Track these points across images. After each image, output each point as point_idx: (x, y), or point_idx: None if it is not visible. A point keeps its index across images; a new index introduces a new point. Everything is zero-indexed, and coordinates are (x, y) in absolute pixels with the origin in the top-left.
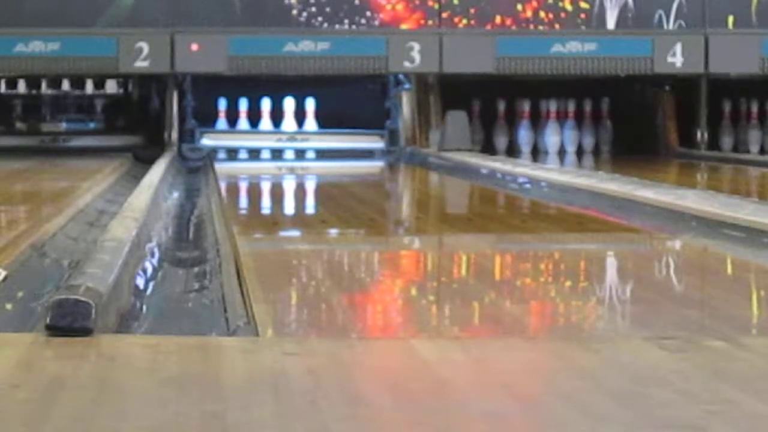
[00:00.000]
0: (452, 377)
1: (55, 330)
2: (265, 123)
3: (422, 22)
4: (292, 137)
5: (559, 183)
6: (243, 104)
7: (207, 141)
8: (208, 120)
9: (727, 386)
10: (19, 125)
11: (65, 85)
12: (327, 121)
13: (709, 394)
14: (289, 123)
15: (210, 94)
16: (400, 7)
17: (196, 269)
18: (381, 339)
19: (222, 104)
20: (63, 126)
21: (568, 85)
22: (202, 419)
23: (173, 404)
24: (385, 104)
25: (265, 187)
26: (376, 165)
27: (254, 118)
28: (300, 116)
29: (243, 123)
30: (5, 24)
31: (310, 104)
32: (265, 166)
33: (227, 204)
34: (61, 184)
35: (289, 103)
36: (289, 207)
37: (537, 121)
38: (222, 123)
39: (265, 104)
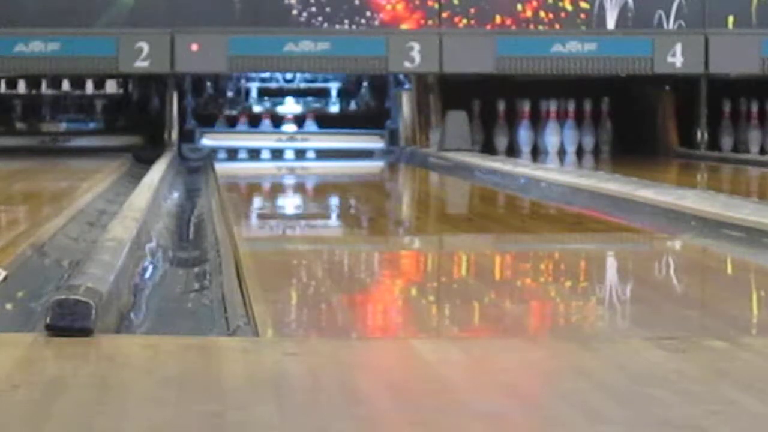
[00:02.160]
0: (452, 377)
1: (55, 330)
2: (265, 123)
3: (422, 22)
4: (292, 137)
5: (559, 183)
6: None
7: (207, 141)
8: (208, 120)
9: (727, 386)
10: (19, 125)
11: (65, 85)
12: (327, 121)
13: (709, 394)
14: (288, 123)
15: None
16: (400, 7)
17: (196, 269)
18: (381, 339)
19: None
20: (63, 126)
21: (568, 85)
22: (202, 419)
23: (173, 404)
24: (385, 104)
25: (265, 187)
26: (376, 165)
27: (254, 118)
28: (300, 116)
29: (243, 123)
30: (5, 24)
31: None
32: (265, 166)
33: (227, 204)
34: (61, 184)
35: (289, 103)
36: (289, 207)
37: (537, 121)
38: (222, 123)
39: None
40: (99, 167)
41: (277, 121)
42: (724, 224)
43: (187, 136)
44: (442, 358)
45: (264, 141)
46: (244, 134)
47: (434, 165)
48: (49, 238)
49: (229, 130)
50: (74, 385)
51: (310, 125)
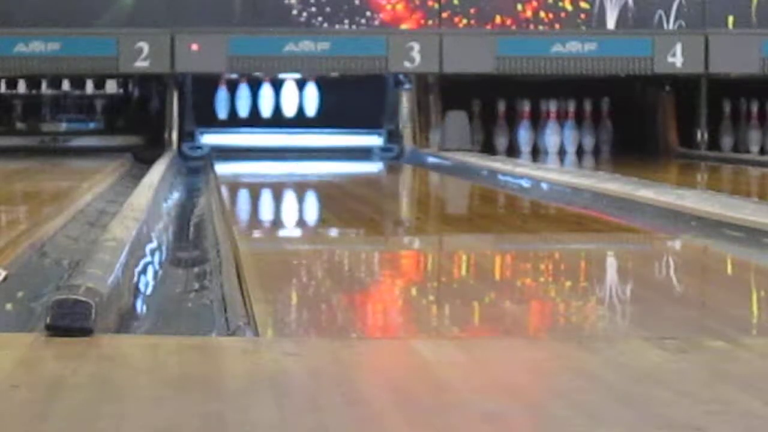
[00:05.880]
0: (452, 377)
1: (55, 330)
2: (266, 122)
3: (422, 22)
4: (291, 137)
5: (559, 183)
6: (243, 104)
7: (207, 140)
8: (208, 120)
9: (727, 386)
10: (19, 125)
11: (65, 85)
12: (327, 120)
13: (709, 394)
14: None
15: (210, 94)
16: (400, 7)
17: (196, 269)
18: (381, 339)
19: (222, 104)
20: (63, 126)
21: (568, 85)
22: (202, 419)
23: (173, 404)
24: (384, 104)
25: (265, 187)
26: (375, 165)
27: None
28: (300, 115)
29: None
30: (5, 24)
31: (309, 104)
32: (265, 166)
33: (227, 204)
34: (61, 184)
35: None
36: (289, 207)
37: (537, 121)
38: (222, 123)
39: (265, 104)
40: (99, 167)
41: (279, 118)
42: (724, 224)
43: (187, 136)
44: (442, 358)
45: (264, 140)
46: (244, 134)
47: (434, 165)
48: (49, 238)
49: (229, 130)
50: (74, 385)
51: (310, 121)
